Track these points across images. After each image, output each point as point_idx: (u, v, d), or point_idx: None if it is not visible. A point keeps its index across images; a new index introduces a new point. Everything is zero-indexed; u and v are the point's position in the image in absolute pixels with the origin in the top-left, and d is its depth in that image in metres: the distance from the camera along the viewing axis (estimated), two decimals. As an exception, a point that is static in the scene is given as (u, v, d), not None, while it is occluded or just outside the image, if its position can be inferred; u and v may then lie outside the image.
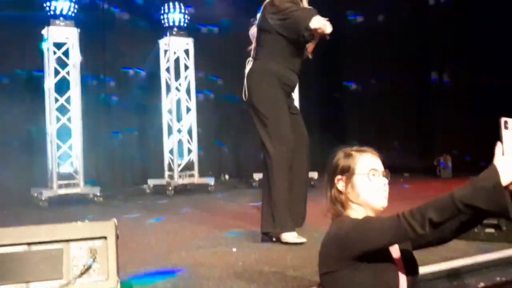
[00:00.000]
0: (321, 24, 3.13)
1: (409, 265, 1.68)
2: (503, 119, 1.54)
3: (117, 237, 2.02)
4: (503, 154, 1.49)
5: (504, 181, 1.44)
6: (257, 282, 2.31)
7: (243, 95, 3.32)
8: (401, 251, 1.68)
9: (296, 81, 3.44)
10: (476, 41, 7.45)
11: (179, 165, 6.40)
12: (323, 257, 1.69)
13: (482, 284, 2.49)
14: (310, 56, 3.48)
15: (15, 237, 1.97)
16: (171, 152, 6.46)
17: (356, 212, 1.71)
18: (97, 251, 1.98)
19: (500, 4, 6.98)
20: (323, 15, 3.20)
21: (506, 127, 1.54)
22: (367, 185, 1.69)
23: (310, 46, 3.42)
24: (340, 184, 1.73)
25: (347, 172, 1.72)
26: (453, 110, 7.88)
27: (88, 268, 1.96)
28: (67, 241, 1.98)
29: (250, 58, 3.38)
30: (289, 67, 3.33)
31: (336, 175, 1.74)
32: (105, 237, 2.01)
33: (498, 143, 1.50)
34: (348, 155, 1.75)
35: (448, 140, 7.82)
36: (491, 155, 1.50)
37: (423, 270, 2.09)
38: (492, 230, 2.98)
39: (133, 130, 7.03)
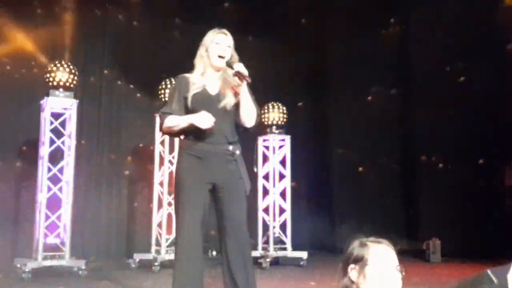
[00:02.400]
0: (169, 131, 3.24)
1: None
2: None
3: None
4: None
5: None
6: None
7: None
8: None
9: (212, 149, 3.10)
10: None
11: (167, 240, 6.30)
12: None
13: None
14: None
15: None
16: (159, 226, 6.38)
17: None
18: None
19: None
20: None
21: None
22: (379, 277, 1.68)
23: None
24: (353, 274, 1.72)
25: (361, 261, 1.71)
26: (441, 192, 7.96)
27: None
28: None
29: None
30: (199, 138, 3.09)
31: (350, 264, 1.73)
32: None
33: None
34: (363, 245, 1.75)
35: (436, 222, 7.84)
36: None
37: None
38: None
39: (123, 202, 7.00)
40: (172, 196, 6.39)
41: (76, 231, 5.71)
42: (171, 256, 6.21)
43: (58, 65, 5.65)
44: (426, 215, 8.25)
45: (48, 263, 5.32)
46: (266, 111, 6.97)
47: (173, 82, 3.43)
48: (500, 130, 7.20)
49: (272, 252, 6.54)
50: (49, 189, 5.52)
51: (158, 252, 6.23)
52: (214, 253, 7.42)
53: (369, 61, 8.14)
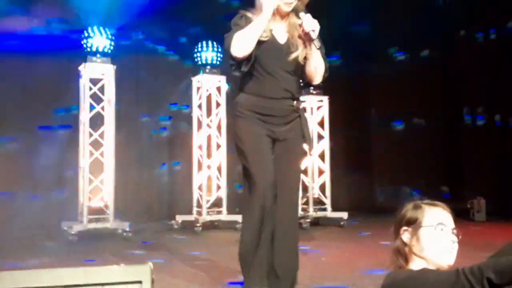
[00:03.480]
0: (241, 46, 2.71)
1: None
2: None
3: (152, 281, 1.99)
4: None
5: None
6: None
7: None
8: None
9: (275, 106, 2.81)
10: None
11: (207, 202, 6.38)
12: None
13: None
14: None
15: (50, 280, 1.95)
16: (200, 188, 6.46)
17: (418, 266, 1.64)
18: (132, 296, 1.95)
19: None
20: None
21: None
22: (434, 239, 1.63)
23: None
24: (406, 236, 1.68)
25: (414, 223, 1.67)
26: (485, 152, 7.76)
27: (123, 313, 1.92)
28: (102, 284, 1.96)
29: None
30: (261, 93, 2.80)
31: (402, 226, 1.69)
32: (140, 282, 1.98)
33: None
34: (417, 207, 1.71)
35: (481, 182, 7.68)
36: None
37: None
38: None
39: (163, 166, 7.11)
40: (211, 159, 6.49)
41: (119, 195, 5.83)
42: (212, 217, 6.34)
43: (95, 31, 5.67)
44: (470, 174, 8.08)
45: (93, 225, 5.48)
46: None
47: (234, 19, 2.83)
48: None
49: (312, 213, 6.55)
50: (91, 154, 5.64)
51: (199, 213, 6.33)
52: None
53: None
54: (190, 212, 6.45)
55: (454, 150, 8.43)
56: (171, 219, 6.51)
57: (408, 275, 1.58)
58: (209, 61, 6.42)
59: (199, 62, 6.43)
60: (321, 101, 6.87)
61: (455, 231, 1.67)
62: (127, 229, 5.56)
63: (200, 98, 6.52)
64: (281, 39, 2.82)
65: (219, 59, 6.44)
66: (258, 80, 2.80)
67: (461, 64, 8.23)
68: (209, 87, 6.56)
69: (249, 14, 2.82)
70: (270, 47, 2.77)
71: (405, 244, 1.68)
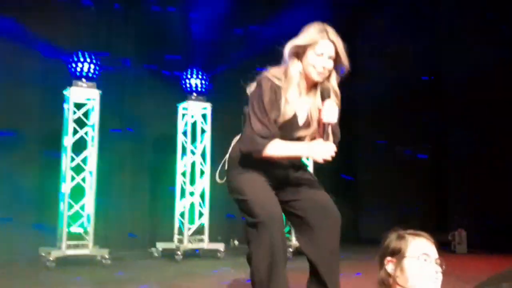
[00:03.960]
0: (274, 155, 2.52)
1: None
2: None
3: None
4: None
5: None
6: None
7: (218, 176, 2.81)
8: None
9: (280, 174, 2.69)
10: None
11: (189, 229, 6.31)
12: None
13: None
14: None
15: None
16: (181, 215, 6.39)
17: None
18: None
19: None
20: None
21: None
22: (418, 270, 1.63)
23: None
24: (390, 266, 1.67)
25: (398, 254, 1.66)
26: (470, 184, 7.84)
27: None
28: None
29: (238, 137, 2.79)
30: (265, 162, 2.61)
31: (386, 256, 1.68)
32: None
33: None
34: (401, 237, 1.71)
35: (464, 214, 7.74)
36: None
37: None
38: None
39: (145, 192, 7.05)
40: (194, 186, 6.44)
41: (99, 221, 5.74)
42: (194, 245, 6.25)
43: (81, 55, 5.65)
44: (453, 207, 8.14)
45: (71, 252, 5.37)
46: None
47: (265, 85, 2.58)
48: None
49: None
50: (73, 178, 5.56)
51: (180, 241, 6.25)
52: (236, 242, 7.42)
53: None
54: (171, 240, 6.37)
55: (439, 182, 8.51)
56: (152, 247, 6.42)
57: None
58: (195, 88, 6.43)
59: (186, 89, 6.44)
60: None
61: (438, 261, 1.67)
62: (107, 256, 5.46)
63: (185, 124, 6.51)
64: (301, 118, 2.65)
65: (205, 86, 6.46)
66: None
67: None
68: (194, 114, 6.55)
69: (276, 81, 2.58)
70: (287, 126, 2.62)
71: (389, 275, 1.67)
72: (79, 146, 5.69)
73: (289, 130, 2.62)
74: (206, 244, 6.35)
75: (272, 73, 2.62)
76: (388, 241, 1.72)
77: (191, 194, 6.47)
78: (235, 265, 5.40)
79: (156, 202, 7.11)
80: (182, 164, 6.50)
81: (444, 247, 7.27)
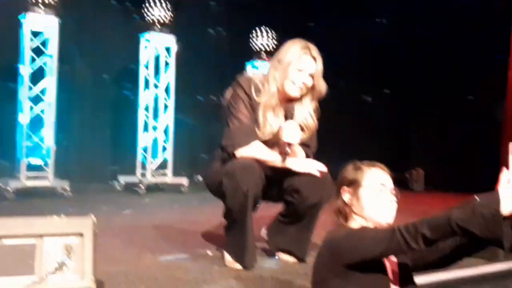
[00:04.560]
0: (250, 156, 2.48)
1: (405, 279, 1.66)
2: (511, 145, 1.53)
3: (94, 234, 1.94)
4: (508, 181, 1.47)
5: (505, 211, 1.40)
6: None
7: None
8: (399, 264, 1.65)
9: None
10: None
11: (152, 163, 6.29)
12: (316, 265, 1.66)
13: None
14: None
15: (-15, 229, 1.87)
16: (145, 150, 6.35)
17: (358, 225, 1.69)
18: (73, 248, 1.90)
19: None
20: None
21: None
22: (373, 199, 1.67)
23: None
24: (346, 196, 1.71)
25: (354, 184, 1.70)
26: (427, 124, 8.02)
27: (62, 266, 1.87)
28: (41, 236, 1.89)
29: None
30: None
31: (343, 186, 1.72)
32: (81, 234, 1.93)
33: (504, 169, 1.49)
34: (357, 168, 1.74)
35: (421, 153, 7.95)
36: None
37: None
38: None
39: (107, 125, 6.92)
40: (157, 120, 6.37)
41: (60, 153, 5.64)
42: (157, 180, 6.26)
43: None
44: (413, 146, 8.35)
45: (31, 183, 5.29)
46: (254, 36, 6.80)
47: (241, 92, 2.58)
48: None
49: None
50: (31, 109, 5.40)
51: (143, 175, 6.23)
52: (200, 178, 7.45)
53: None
54: (133, 174, 6.34)
55: (399, 124, 8.67)
56: (114, 180, 6.39)
57: (348, 233, 1.63)
58: (160, 20, 6.23)
59: (148, 20, 6.23)
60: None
61: (394, 191, 1.71)
62: (67, 188, 5.41)
63: (148, 57, 6.35)
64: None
65: (168, 17, 6.27)
66: None
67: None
68: (157, 46, 6.38)
69: (259, 83, 2.58)
70: (271, 143, 2.60)
71: (345, 204, 1.71)
72: (38, 77, 5.50)
73: (272, 145, 2.60)
74: (169, 179, 6.37)
75: (250, 82, 2.60)
76: (345, 171, 1.76)
77: (154, 128, 6.41)
78: (199, 199, 5.45)
79: (118, 136, 7.01)
80: (144, 98, 6.39)
81: (401, 185, 7.52)
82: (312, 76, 2.59)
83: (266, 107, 2.57)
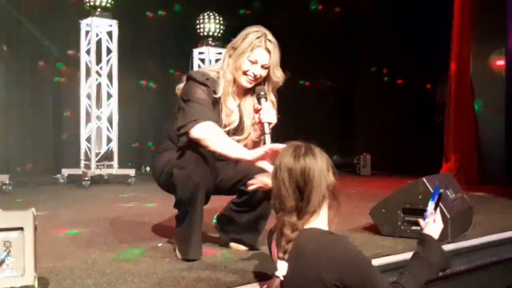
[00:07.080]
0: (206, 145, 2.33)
1: None
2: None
3: (35, 228, 1.81)
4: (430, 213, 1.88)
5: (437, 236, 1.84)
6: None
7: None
8: None
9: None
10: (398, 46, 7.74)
11: (97, 154, 6.08)
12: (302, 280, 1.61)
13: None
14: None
15: None
16: (88, 140, 6.13)
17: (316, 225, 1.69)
18: (12, 243, 1.76)
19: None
20: None
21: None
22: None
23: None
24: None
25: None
26: (375, 110, 8.16)
27: (1, 263, 1.73)
28: (-23, 231, 1.75)
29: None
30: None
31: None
32: (21, 228, 1.79)
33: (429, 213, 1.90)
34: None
35: (368, 139, 8.09)
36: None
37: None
38: (418, 228, 3.03)
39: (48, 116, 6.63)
40: (101, 109, 6.16)
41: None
42: (102, 171, 6.05)
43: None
44: (360, 131, 8.48)
45: (-33, 176, 5.00)
46: (201, 21, 6.67)
47: (197, 85, 2.45)
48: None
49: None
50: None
51: (87, 167, 6.02)
52: (148, 168, 7.29)
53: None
54: (77, 166, 6.11)
55: (346, 109, 8.78)
56: (57, 173, 6.14)
57: (359, 258, 1.61)
58: (101, 4, 5.99)
59: (88, 4, 5.99)
60: (220, 53, 6.66)
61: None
62: (7, 182, 5.14)
63: (88, 43, 6.10)
64: (249, 119, 2.58)
65: (111, 1, 6.04)
66: None
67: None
68: (99, 31, 6.14)
69: (211, 74, 2.50)
70: (235, 132, 2.54)
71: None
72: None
73: (236, 134, 2.55)
74: (115, 170, 6.18)
75: (205, 73, 2.52)
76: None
77: (98, 118, 6.19)
78: (148, 190, 5.32)
79: (59, 127, 6.74)
80: (86, 86, 6.15)
81: (349, 170, 7.65)
82: (266, 67, 2.52)
83: (224, 95, 2.51)
